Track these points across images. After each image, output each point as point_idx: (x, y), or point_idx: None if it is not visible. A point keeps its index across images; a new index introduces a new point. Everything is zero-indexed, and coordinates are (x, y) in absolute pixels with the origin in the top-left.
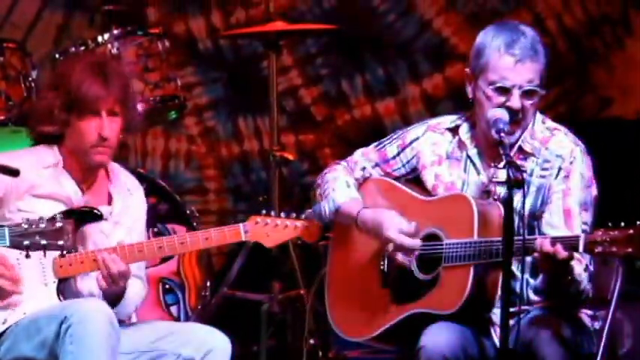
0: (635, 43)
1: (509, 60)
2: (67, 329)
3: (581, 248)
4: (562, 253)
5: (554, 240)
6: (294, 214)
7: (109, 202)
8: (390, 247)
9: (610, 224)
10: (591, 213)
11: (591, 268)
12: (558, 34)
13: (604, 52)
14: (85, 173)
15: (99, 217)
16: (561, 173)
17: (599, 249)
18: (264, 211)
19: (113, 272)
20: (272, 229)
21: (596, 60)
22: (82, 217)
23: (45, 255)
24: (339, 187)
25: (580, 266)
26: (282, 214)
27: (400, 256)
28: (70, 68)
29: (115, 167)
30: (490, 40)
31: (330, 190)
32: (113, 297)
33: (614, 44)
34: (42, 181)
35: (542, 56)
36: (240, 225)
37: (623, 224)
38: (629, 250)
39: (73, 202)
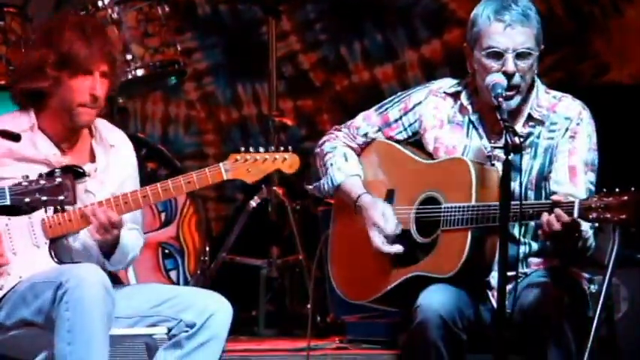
0: (633, 10)
1: (499, 26)
2: (63, 295)
3: (575, 214)
4: (564, 217)
5: (552, 207)
6: (272, 148)
7: (92, 159)
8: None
9: (604, 190)
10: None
11: (596, 224)
12: (556, 0)
13: (602, 19)
14: (67, 133)
15: (81, 175)
16: (568, 133)
17: (593, 215)
18: (242, 149)
19: (103, 221)
20: (252, 165)
21: (594, 26)
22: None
23: (46, 211)
24: (338, 161)
25: (586, 223)
26: (261, 149)
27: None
28: (61, 26)
29: (99, 123)
30: (482, 10)
31: (328, 165)
32: (108, 247)
33: (612, 10)
34: (17, 145)
35: (535, 21)
36: (220, 164)
37: (617, 190)
38: (623, 216)
39: (53, 164)
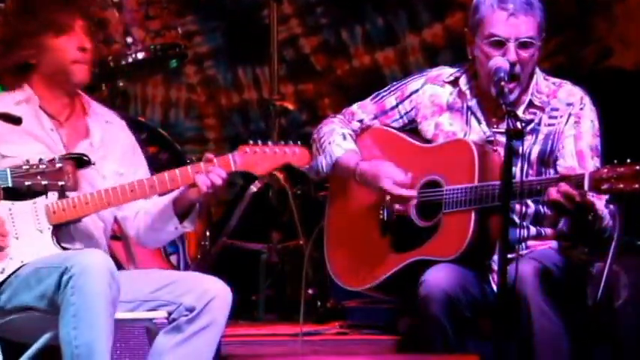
0: None
1: (502, 14)
2: (69, 280)
3: (586, 186)
4: (570, 191)
5: (559, 180)
6: (282, 141)
7: (87, 134)
8: (388, 198)
9: (615, 161)
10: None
11: (610, 206)
12: None
13: (605, 3)
14: (61, 105)
15: (87, 163)
16: (571, 119)
17: (605, 186)
18: (251, 141)
19: (216, 182)
20: (261, 157)
21: (597, 10)
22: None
23: (47, 196)
24: (336, 139)
25: (600, 202)
26: (270, 142)
27: (398, 206)
28: None
29: (92, 103)
30: None
31: (326, 144)
32: (187, 207)
33: None
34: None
35: (539, 10)
36: (230, 155)
37: (629, 161)
38: (637, 185)
39: (54, 140)
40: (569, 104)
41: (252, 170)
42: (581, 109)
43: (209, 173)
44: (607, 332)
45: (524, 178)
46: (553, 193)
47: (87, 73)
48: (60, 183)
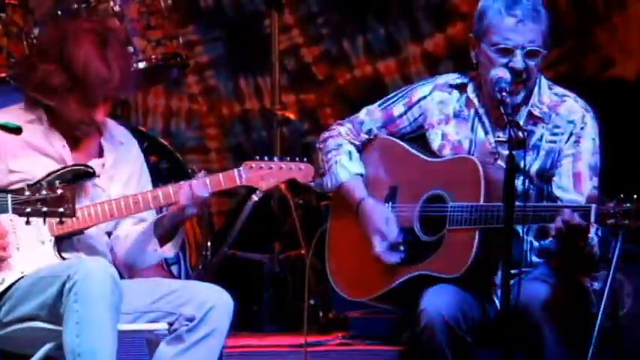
0: (637, 4)
1: (511, 20)
2: (71, 288)
3: (592, 219)
4: (580, 222)
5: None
6: (287, 158)
7: (100, 154)
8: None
9: (622, 196)
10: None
11: (599, 233)
12: None
13: (606, 13)
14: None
15: (91, 174)
16: (572, 138)
17: (611, 221)
18: (257, 157)
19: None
20: (266, 173)
21: (598, 20)
22: (75, 174)
23: (45, 222)
24: (342, 159)
25: (592, 229)
26: (276, 158)
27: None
28: (75, 41)
29: (108, 121)
30: (492, 2)
31: (332, 163)
32: (171, 230)
33: (616, 5)
34: (30, 135)
35: (545, 17)
36: (235, 170)
37: (636, 197)
38: None
39: (64, 158)
40: (570, 122)
41: (257, 186)
42: (582, 128)
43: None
44: (612, 342)
45: (527, 192)
46: (572, 217)
47: (91, 130)
48: (59, 210)
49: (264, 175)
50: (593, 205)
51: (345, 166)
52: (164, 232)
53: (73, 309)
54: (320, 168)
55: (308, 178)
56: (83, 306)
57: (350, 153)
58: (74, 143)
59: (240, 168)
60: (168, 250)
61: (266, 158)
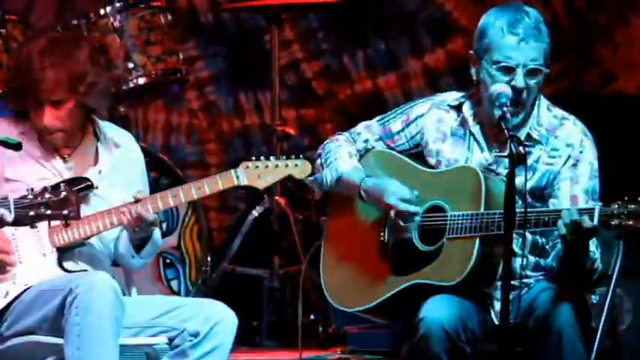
0: (637, 19)
1: (513, 39)
2: (73, 301)
3: (595, 220)
4: (587, 222)
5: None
6: (283, 156)
7: (96, 160)
8: (392, 214)
9: (626, 198)
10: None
11: (599, 249)
12: (562, 8)
13: (607, 28)
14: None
15: (89, 187)
16: (570, 161)
17: (615, 222)
18: (253, 158)
19: (135, 222)
20: (263, 171)
21: (598, 35)
22: (75, 186)
23: (50, 225)
24: (342, 156)
25: (593, 244)
26: (272, 157)
27: (401, 225)
28: (26, 50)
29: (104, 125)
30: (493, 20)
31: (332, 159)
32: (141, 241)
33: (618, 20)
34: (27, 147)
35: (546, 36)
36: (232, 171)
37: None
38: None
39: (57, 167)
40: (568, 145)
41: (255, 184)
42: (581, 151)
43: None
44: (611, 357)
45: (525, 209)
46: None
47: (59, 141)
48: (64, 212)
49: (260, 173)
50: (597, 206)
51: (345, 161)
52: (137, 241)
53: (75, 322)
54: (317, 172)
55: (305, 174)
56: (84, 319)
57: (349, 153)
58: (67, 153)
59: (237, 168)
60: (146, 257)
61: (262, 158)
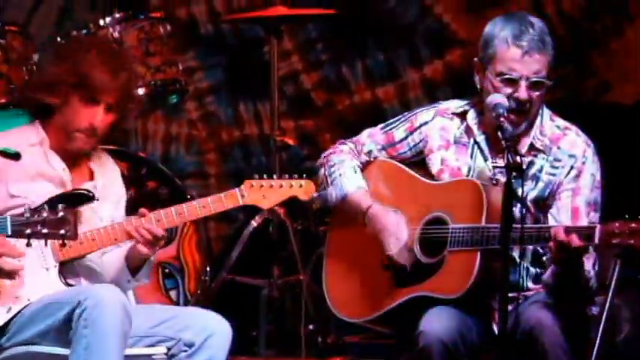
0: (634, 29)
1: (517, 51)
2: (81, 314)
3: (596, 239)
4: (576, 242)
5: (569, 229)
6: (286, 175)
7: (91, 177)
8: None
9: (627, 216)
10: (599, 214)
11: (596, 267)
12: (557, 18)
13: (603, 38)
14: (67, 151)
15: (92, 199)
16: (572, 172)
17: (616, 240)
18: (256, 176)
19: (148, 237)
20: (267, 191)
21: (595, 45)
22: (77, 199)
23: (46, 244)
24: (347, 172)
25: (589, 262)
26: (275, 176)
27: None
28: (85, 48)
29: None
30: (498, 31)
31: (337, 175)
32: (140, 261)
33: (614, 30)
34: (31, 159)
35: (550, 48)
36: (237, 189)
37: None
38: None
39: (64, 180)
40: (571, 156)
41: (259, 204)
42: (583, 162)
43: (138, 229)
44: None
45: (524, 217)
46: (560, 233)
47: (86, 146)
48: (61, 232)
49: (264, 193)
50: (597, 225)
51: (350, 179)
52: (135, 263)
53: (82, 334)
54: (321, 184)
55: (308, 195)
56: (93, 332)
57: (354, 168)
58: (71, 166)
59: (242, 187)
60: (142, 279)
61: (265, 177)
